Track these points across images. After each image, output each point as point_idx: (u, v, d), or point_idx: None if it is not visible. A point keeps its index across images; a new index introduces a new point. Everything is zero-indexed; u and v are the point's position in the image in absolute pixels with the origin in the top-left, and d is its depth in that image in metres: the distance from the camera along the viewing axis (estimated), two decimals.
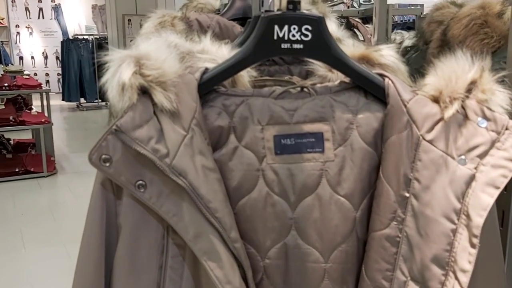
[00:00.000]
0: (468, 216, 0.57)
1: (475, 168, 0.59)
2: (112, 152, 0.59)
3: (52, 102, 5.07)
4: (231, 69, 0.65)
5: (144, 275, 0.63)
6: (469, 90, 0.61)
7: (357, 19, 2.59)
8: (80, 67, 9.19)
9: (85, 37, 9.42)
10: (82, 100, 9.33)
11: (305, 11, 0.63)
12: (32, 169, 4.56)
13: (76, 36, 9.60)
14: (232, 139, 0.65)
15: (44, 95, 5.01)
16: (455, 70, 0.62)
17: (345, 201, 0.66)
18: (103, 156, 0.59)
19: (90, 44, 9.24)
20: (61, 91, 9.58)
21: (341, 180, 0.65)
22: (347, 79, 0.68)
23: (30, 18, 10.71)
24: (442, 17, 1.36)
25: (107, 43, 8.49)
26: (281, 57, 0.84)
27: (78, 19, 10.92)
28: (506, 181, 0.57)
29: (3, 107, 4.63)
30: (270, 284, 0.67)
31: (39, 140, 4.64)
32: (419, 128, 0.61)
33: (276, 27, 0.62)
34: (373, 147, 0.66)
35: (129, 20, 7.07)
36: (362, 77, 0.66)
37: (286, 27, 0.62)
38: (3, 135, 4.87)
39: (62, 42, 9.41)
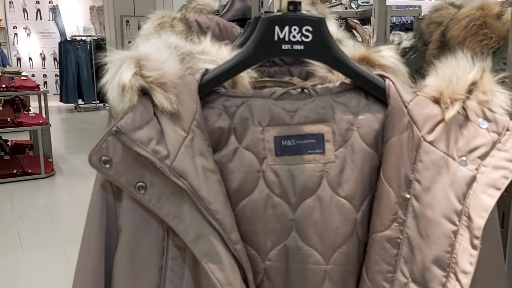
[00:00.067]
0: (469, 218, 0.57)
1: (476, 169, 0.59)
2: (112, 153, 0.59)
3: (50, 104, 5.06)
4: (231, 70, 0.65)
5: (144, 277, 0.62)
6: (470, 91, 0.61)
7: (355, 20, 2.60)
8: (78, 68, 9.16)
9: (83, 38, 9.40)
10: (80, 101, 9.30)
11: (305, 12, 0.63)
12: (30, 171, 4.55)
13: (74, 37, 9.58)
14: (233, 140, 0.65)
15: (42, 97, 5.00)
16: (456, 71, 0.62)
17: (346, 202, 0.66)
18: (103, 158, 0.59)
19: (88, 45, 9.22)
20: (59, 93, 9.53)
21: (341, 181, 0.65)
22: (347, 80, 0.68)
23: (27, 19, 10.69)
24: (441, 18, 1.36)
25: (105, 44, 8.48)
26: (281, 58, 0.84)
27: (76, 20, 10.90)
28: (507, 182, 0.57)
29: (0, 108, 4.61)
30: (271, 286, 0.67)
31: (37, 141, 4.62)
32: (420, 129, 0.61)
33: (276, 28, 0.62)
34: (373, 148, 0.66)
35: (127, 21, 7.05)
36: (362, 78, 0.65)
37: (286, 28, 0.62)
38: (0, 137, 4.86)
39: (60, 43, 9.38)
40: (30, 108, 5.18)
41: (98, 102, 9.24)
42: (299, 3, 0.62)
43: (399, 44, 1.87)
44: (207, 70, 0.65)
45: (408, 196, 0.61)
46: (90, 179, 4.66)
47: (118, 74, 0.59)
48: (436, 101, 0.62)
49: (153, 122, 0.59)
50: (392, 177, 0.63)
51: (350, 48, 0.76)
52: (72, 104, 9.39)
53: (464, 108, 0.61)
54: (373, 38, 1.48)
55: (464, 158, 0.59)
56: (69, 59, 9.11)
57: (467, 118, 0.60)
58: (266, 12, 0.65)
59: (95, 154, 0.59)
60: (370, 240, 0.65)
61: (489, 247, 0.60)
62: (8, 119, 4.44)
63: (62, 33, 10.68)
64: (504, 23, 1.17)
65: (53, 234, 3.31)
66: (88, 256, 0.63)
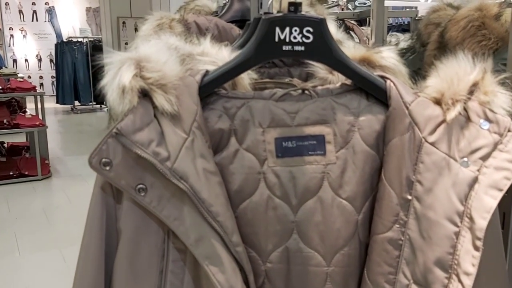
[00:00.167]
0: (471, 219, 0.57)
1: (478, 170, 0.58)
2: (113, 155, 0.58)
3: (46, 105, 5.04)
4: (232, 72, 0.64)
5: (144, 279, 0.62)
6: (471, 92, 0.61)
7: (352, 21, 2.60)
8: (74, 69, 9.13)
9: (79, 39, 9.37)
10: (77, 103, 9.27)
11: (305, 13, 0.63)
12: (26, 173, 4.53)
13: (70, 39, 9.55)
14: (233, 142, 0.65)
15: (38, 98, 4.98)
16: (457, 72, 0.62)
17: (347, 204, 0.65)
18: (103, 160, 0.58)
19: (84, 46, 9.19)
20: (55, 94, 9.51)
21: (343, 183, 0.65)
22: (348, 81, 0.67)
23: (23, 20, 10.65)
24: (439, 19, 1.36)
25: (101, 45, 8.47)
26: (281, 59, 0.84)
27: (72, 22, 10.87)
28: (509, 183, 0.57)
29: None
30: None
31: (33, 143, 4.61)
32: (421, 130, 0.61)
33: (277, 29, 0.62)
34: (375, 149, 0.65)
35: (124, 22, 7.04)
36: (363, 79, 0.65)
37: (287, 29, 0.62)
38: None
39: (56, 45, 9.35)
40: (27, 109, 5.15)
41: (94, 103, 9.22)
42: (300, 3, 0.62)
43: (396, 45, 1.87)
44: (207, 71, 0.64)
45: (409, 197, 0.61)
46: (86, 181, 4.68)
47: (118, 75, 0.59)
48: (438, 102, 0.62)
49: (154, 124, 0.59)
50: (394, 178, 0.62)
51: (351, 49, 0.76)
52: (69, 106, 9.36)
53: (465, 109, 0.60)
54: (371, 39, 1.48)
55: (465, 159, 0.59)
56: (66, 61, 9.08)
57: (468, 119, 0.60)
58: (265, 13, 0.64)
59: (95, 156, 0.58)
60: (371, 242, 0.65)
61: (491, 248, 0.60)
62: (5, 120, 4.42)
63: (58, 35, 10.65)
64: (503, 24, 1.17)
65: (50, 236, 3.29)
66: (88, 258, 0.63)
